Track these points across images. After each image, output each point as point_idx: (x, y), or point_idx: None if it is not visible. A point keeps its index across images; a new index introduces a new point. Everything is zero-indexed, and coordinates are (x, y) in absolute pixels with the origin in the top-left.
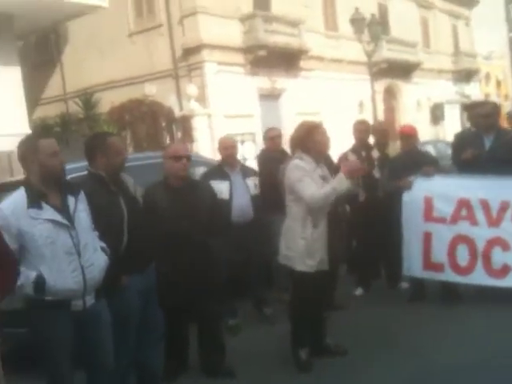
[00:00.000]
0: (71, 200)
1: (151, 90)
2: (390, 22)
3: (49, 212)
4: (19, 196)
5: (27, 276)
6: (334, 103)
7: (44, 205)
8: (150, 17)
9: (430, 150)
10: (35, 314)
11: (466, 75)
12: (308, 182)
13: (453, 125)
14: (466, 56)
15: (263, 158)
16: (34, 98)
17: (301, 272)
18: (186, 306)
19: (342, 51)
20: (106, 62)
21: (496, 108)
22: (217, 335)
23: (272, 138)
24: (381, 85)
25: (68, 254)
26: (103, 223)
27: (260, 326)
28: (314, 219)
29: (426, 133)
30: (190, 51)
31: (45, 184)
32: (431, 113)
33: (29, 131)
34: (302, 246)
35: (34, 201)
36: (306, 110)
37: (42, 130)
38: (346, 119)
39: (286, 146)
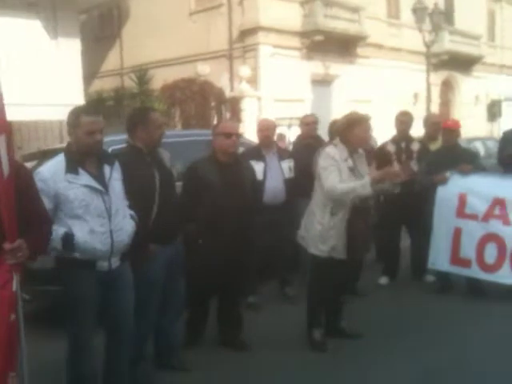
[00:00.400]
0: (107, 169)
1: (204, 70)
2: (455, 12)
3: (85, 177)
4: (59, 161)
5: (57, 232)
6: (389, 93)
7: (81, 171)
8: None
9: (479, 146)
10: (64, 271)
11: None
12: (332, 172)
13: (510, 122)
14: None
15: (298, 143)
16: (92, 70)
17: (313, 255)
18: (218, 278)
19: (401, 40)
20: (164, 39)
21: None
22: (236, 310)
23: (307, 124)
24: (439, 77)
25: (99, 217)
26: (137, 193)
27: (281, 305)
28: (333, 207)
29: (481, 129)
30: (247, 33)
31: (83, 155)
32: (488, 109)
33: (83, 102)
34: (317, 230)
35: (72, 167)
36: (358, 97)
37: (96, 102)
38: (399, 109)
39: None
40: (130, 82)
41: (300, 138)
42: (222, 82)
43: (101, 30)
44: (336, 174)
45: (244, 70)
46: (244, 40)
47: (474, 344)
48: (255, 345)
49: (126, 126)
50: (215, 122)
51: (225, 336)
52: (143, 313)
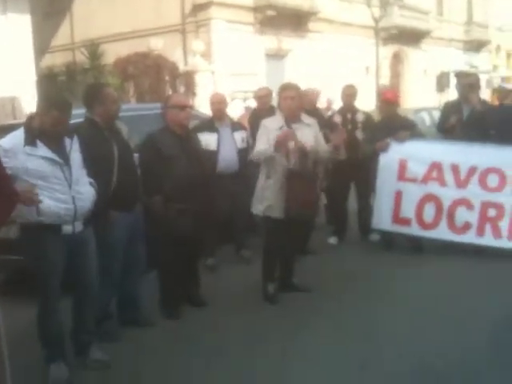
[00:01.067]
0: (67, 141)
1: (157, 44)
2: None
3: (43, 150)
4: (18, 134)
5: None
6: (341, 66)
7: (39, 143)
8: None
9: (425, 116)
10: (30, 237)
11: (476, 46)
12: (259, 140)
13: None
14: (479, 26)
15: (253, 116)
16: (43, 46)
17: (255, 214)
18: (185, 243)
19: (352, 15)
20: (116, 13)
21: (478, 81)
22: (196, 271)
23: (260, 97)
24: (389, 50)
25: (60, 186)
26: (97, 165)
27: (237, 266)
28: (267, 171)
29: (430, 100)
30: (200, 7)
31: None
32: (437, 81)
33: (34, 78)
34: (257, 192)
35: (31, 140)
36: (310, 71)
37: (48, 78)
38: (352, 83)
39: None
40: (81, 57)
41: (255, 111)
42: (176, 56)
43: (51, 4)
44: (262, 141)
45: (198, 45)
46: (197, 15)
47: (413, 295)
48: (213, 301)
49: (82, 101)
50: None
51: (186, 293)
52: (107, 274)
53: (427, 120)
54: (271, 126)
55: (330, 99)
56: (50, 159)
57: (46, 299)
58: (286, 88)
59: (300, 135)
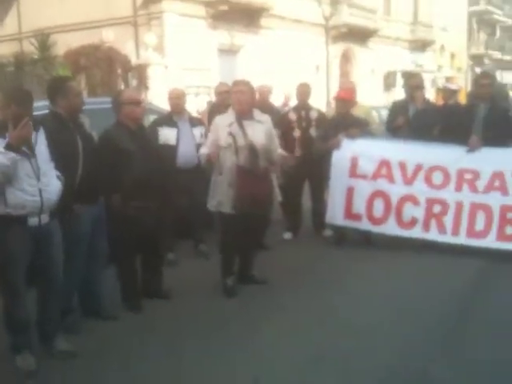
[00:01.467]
0: (33, 134)
1: (109, 36)
2: None
3: None
4: None
5: None
6: (292, 63)
7: (8, 135)
8: None
9: (374, 115)
10: None
11: (421, 45)
12: (208, 139)
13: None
14: (424, 26)
15: (211, 111)
16: None
17: (220, 213)
18: (145, 238)
19: (303, 12)
20: (65, 3)
21: (422, 81)
22: (159, 266)
23: (220, 93)
24: (338, 49)
25: (28, 177)
26: (62, 158)
27: (196, 261)
28: (219, 167)
29: (377, 99)
30: (151, 0)
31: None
32: (384, 80)
33: None
34: (210, 187)
35: (0, 132)
36: (262, 67)
37: None
38: (303, 80)
39: None
40: (29, 47)
41: (214, 106)
42: (128, 49)
43: None
44: (207, 142)
45: (150, 38)
46: (148, 7)
47: (365, 288)
48: (173, 294)
49: (46, 94)
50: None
51: (148, 287)
52: (71, 266)
53: (376, 119)
54: (221, 123)
55: (287, 95)
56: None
57: (11, 290)
58: (236, 83)
59: (251, 132)
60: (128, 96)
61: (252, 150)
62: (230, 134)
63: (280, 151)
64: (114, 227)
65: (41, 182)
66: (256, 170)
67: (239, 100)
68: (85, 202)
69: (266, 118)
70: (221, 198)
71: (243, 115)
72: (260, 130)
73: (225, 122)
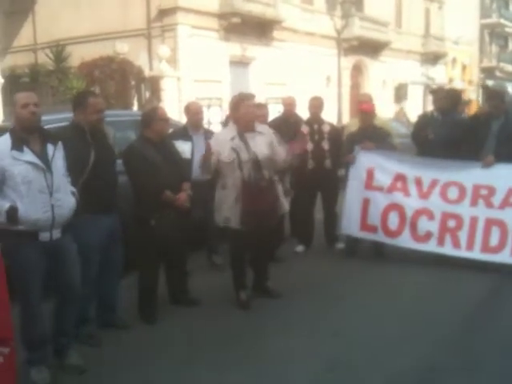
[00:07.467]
0: (50, 148)
1: (123, 48)
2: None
3: (29, 155)
4: (4, 139)
5: (2, 205)
6: (303, 75)
7: (25, 149)
8: None
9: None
10: (9, 244)
11: (433, 58)
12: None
13: (415, 105)
14: (435, 39)
15: (226, 123)
16: (3, 46)
17: (227, 227)
18: (170, 248)
19: (315, 25)
20: (79, 15)
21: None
22: (184, 275)
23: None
24: (350, 61)
25: (41, 193)
26: (70, 168)
27: (209, 272)
28: (222, 181)
29: (388, 111)
30: (165, 12)
31: (24, 131)
32: (395, 92)
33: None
34: (215, 202)
35: (17, 144)
36: (274, 79)
37: (10, 79)
38: (313, 92)
39: None
40: (44, 58)
41: (229, 118)
42: (141, 61)
43: (13, 3)
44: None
45: (163, 50)
46: (162, 19)
47: (378, 300)
48: (188, 306)
49: (72, 105)
50: (135, 101)
51: (173, 296)
52: (86, 277)
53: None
54: (223, 138)
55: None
56: (34, 164)
57: (27, 306)
58: (247, 97)
59: (253, 144)
60: (162, 113)
61: (256, 163)
62: (233, 149)
63: (283, 149)
64: (136, 236)
65: (53, 198)
66: (261, 183)
67: (255, 113)
68: (95, 212)
69: (266, 130)
70: (227, 213)
71: (245, 129)
72: (262, 142)
73: (226, 136)
